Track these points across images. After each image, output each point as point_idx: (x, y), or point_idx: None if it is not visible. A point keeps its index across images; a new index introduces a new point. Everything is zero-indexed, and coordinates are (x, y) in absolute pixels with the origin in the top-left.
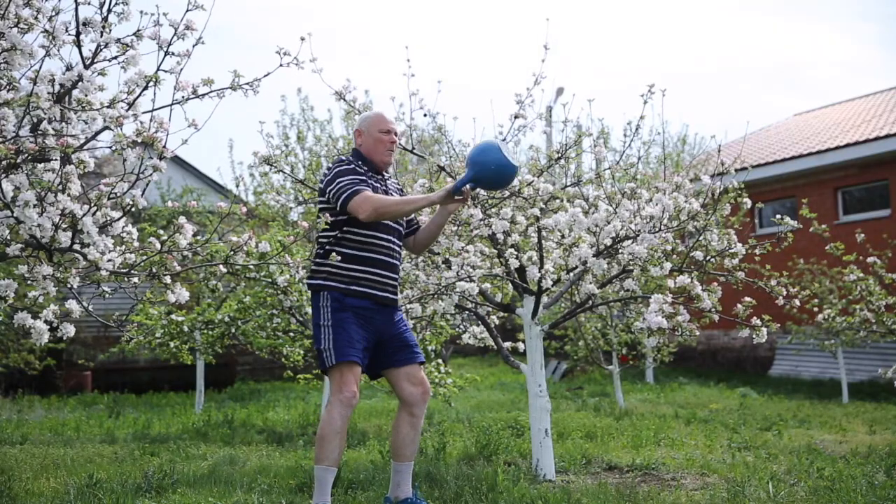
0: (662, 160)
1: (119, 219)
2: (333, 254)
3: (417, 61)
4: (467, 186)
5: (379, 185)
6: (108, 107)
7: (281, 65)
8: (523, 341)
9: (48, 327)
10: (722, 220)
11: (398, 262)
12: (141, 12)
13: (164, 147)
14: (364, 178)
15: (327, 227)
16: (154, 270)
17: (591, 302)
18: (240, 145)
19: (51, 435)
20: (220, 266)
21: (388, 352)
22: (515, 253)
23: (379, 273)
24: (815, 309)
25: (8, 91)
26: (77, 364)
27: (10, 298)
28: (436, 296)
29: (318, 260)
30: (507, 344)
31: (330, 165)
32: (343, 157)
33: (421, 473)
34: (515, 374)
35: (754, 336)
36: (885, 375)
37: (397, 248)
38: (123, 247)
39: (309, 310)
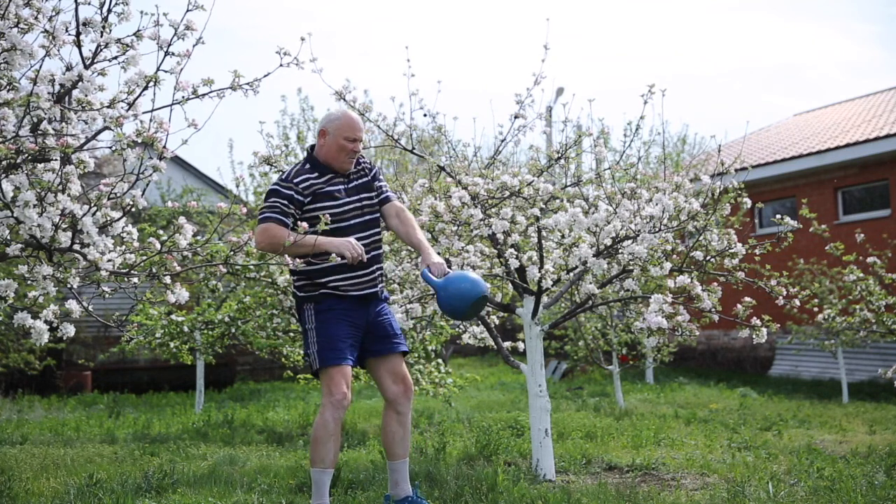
0: (662, 160)
1: (119, 219)
2: (299, 262)
3: (417, 61)
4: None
5: (339, 186)
6: (108, 107)
7: (281, 65)
8: (523, 341)
9: (48, 327)
10: (722, 220)
11: (373, 253)
12: (141, 12)
13: (164, 147)
14: (282, 204)
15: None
16: (154, 270)
17: (591, 302)
18: (240, 145)
19: (51, 435)
20: (220, 266)
21: (367, 340)
22: (515, 253)
23: (349, 276)
24: (815, 309)
25: (8, 91)
26: (77, 364)
27: (10, 298)
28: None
29: (297, 269)
30: (507, 344)
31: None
32: (288, 170)
33: (421, 473)
34: (515, 374)
35: (754, 336)
36: (885, 375)
37: (367, 241)
38: (123, 247)
39: None
